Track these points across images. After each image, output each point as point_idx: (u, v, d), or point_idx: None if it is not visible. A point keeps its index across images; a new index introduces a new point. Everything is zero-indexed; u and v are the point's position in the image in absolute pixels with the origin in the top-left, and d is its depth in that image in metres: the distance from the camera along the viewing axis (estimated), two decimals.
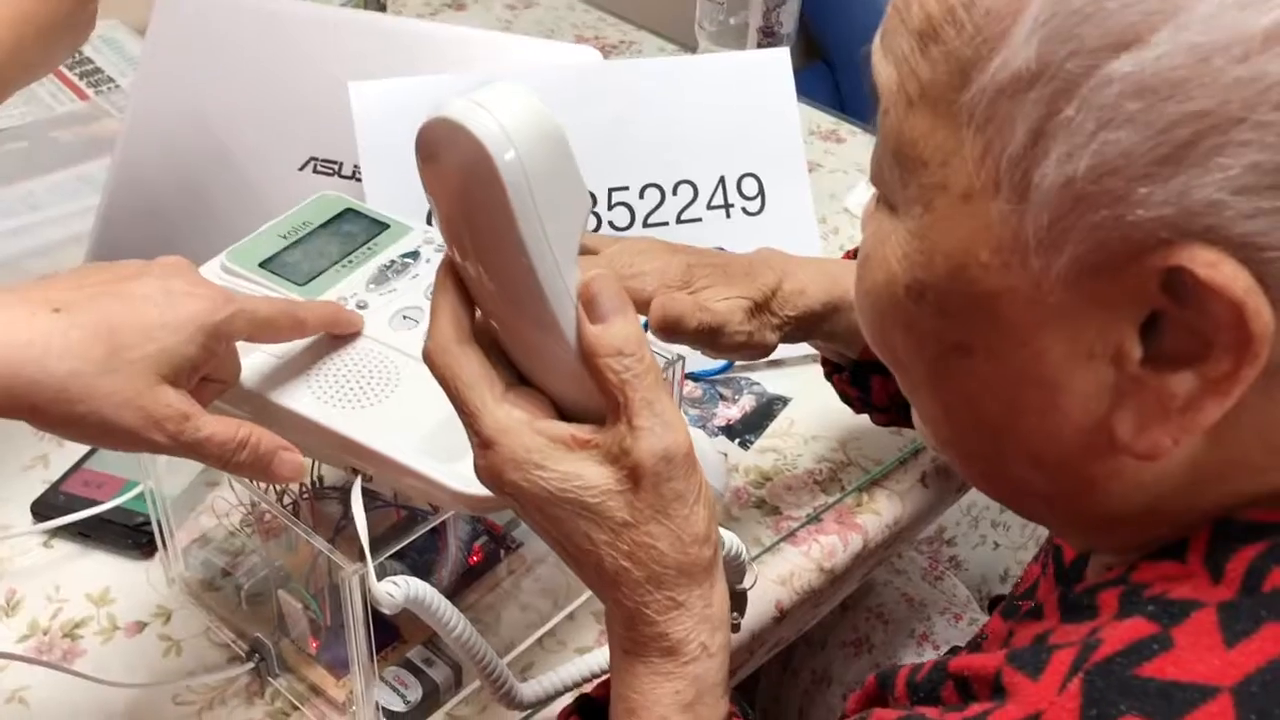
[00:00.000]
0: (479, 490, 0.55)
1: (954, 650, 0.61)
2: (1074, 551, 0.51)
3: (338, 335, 0.62)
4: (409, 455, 0.57)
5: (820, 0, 1.87)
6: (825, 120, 1.27)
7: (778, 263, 0.71)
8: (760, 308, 0.69)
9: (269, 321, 0.57)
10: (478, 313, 0.49)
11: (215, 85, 0.93)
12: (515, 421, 0.47)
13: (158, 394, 0.51)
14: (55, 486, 0.76)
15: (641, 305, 0.66)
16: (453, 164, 0.44)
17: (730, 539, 0.57)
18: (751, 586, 0.59)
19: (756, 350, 0.70)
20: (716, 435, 0.87)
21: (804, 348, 0.94)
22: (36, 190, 1.05)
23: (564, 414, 0.49)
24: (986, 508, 1.17)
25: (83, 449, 0.79)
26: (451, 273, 0.48)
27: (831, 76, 1.96)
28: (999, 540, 1.17)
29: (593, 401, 0.48)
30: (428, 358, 0.48)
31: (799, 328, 0.71)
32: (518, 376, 0.50)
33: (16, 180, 1.06)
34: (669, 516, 0.46)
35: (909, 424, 0.80)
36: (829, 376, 0.80)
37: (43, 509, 0.75)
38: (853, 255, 0.77)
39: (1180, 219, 0.34)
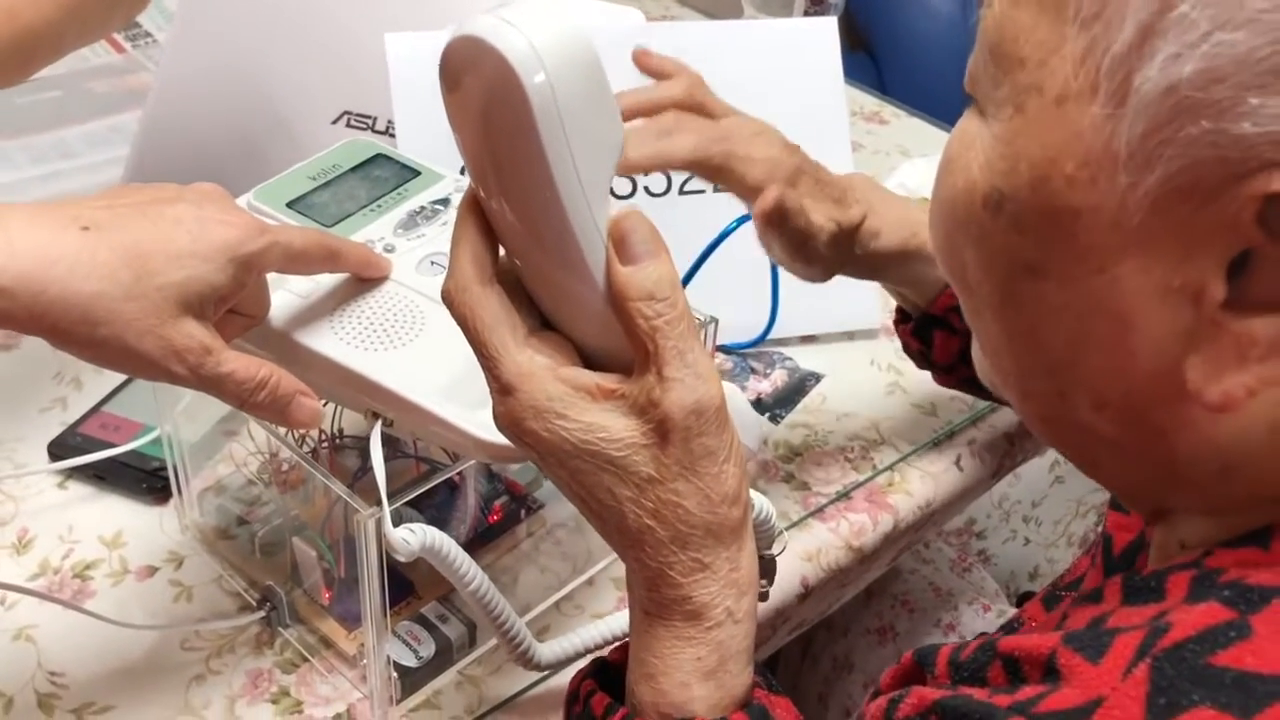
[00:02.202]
0: (501, 439, 0.53)
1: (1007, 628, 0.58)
2: (1130, 535, 0.48)
3: (364, 279, 0.60)
4: (431, 399, 0.55)
5: None
6: (869, 102, 1.24)
7: (865, 195, 0.69)
8: (841, 236, 0.67)
9: (303, 253, 0.55)
10: (502, 253, 0.47)
11: (249, 39, 0.92)
12: (537, 367, 0.44)
13: (181, 324, 0.49)
14: (72, 428, 0.75)
15: (741, 189, 0.66)
16: (477, 86, 0.41)
17: (760, 502, 0.55)
18: (780, 553, 0.57)
19: (822, 273, 0.69)
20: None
21: (841, 322, 0.92)
22: (69, 138, 1.04)
23: (590, 362, 0.46)
24: (1018, 502, 1.14)
25: (101, 393, 0.78)
26: (474, 208, 0.45)
27: (875, 68, 1.93)
28: (1030, 536, 1.15)
29: (621, 350, 0.45)
30: (447, 298, 0.46)
31: (867, 266, 0.70)
32: (542, 321, 0.47)
33: (50, 128, 1.05)
34: (697, 474, 0.44)
35: (972, 391, 0.78)
36: (897, 326, 0.78)
37: (59, 450, 0.74)
38: None
39: None
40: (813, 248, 0.67)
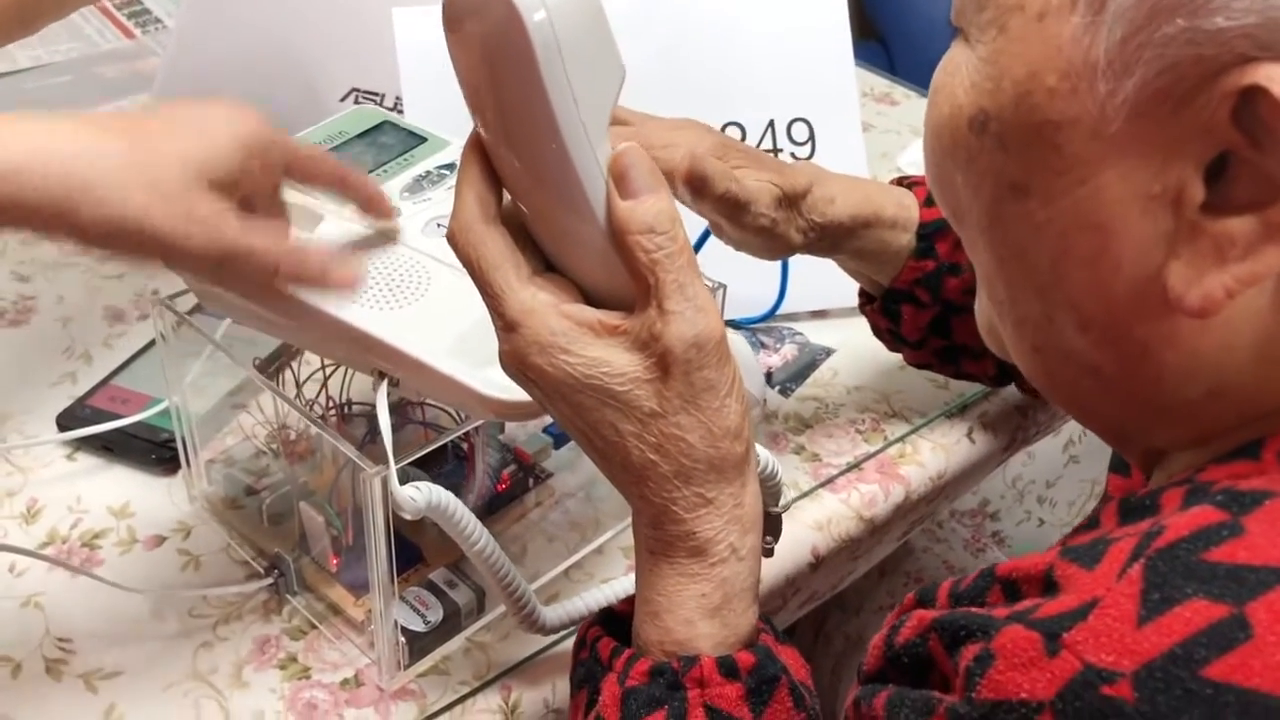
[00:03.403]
0: (505, 395, 0.54)
1: None
2: (1136, 469, 0.48)
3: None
4: (436, 357, 0.54)
5: None
6: (879, 83, 1.24)
7: (811, 170, 0.69)
8: (789, 201, 0.66)
9: (309, 159, 0.55)
10: (506, 198, 0.47)
11: (257, 20, 0.92)
12: (540, 304, 0.45)
13: (192, 195, 0.48)
14: (81, 400, 0.75)
15: (671, 176, 0.64)
16: (479, 25, 0.42)
17: (766, 456, 0.55)
18: (785, 509, 0.56)
19: (779, 245, 0.68)
20: (753, 404, 0.84)
21: (851, 297, 0.91)
22: None
23: (592, 304, 0.47)
24: (1032, 482, 1.13)
25: (110, 367, 0.78)
26: (478, 151, 0.46)
27: (886, 55, 1.93)
28: (1044, 517, 1.14)
29: (622, 289, 0.45)
30: (451, 238, 0.46)
31: (824, 237, 0.68)
32: (545, 264, 0.48)
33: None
34: (699, 408, 0.44)
35: (942, 369, 0.78)
36: (862, 309, 0.77)
37: (68, 421, 0.74)
38: (901, 181, 0.74)
39: (1263, 31, 0.32)
40: (757, 213, 0.65)
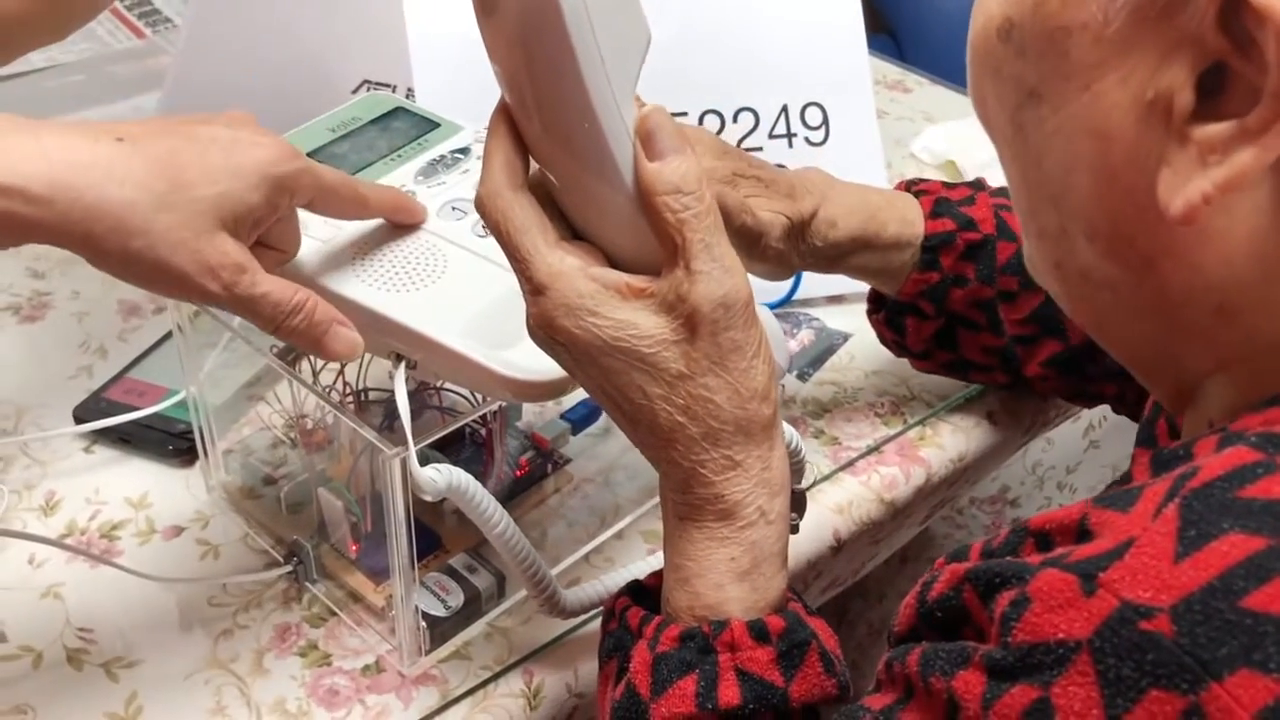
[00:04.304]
0: (522, 375, 0.53)
1: None
2: (1172, 409, 0.48)
3: (392, 225, 0.60)
4: (453, 338, 0.54)
5: None
6: (891, 70, 1.23)
7: (818, 187, 0.69)
8: (795, 229, 0.67)
9: (332, 188, 0.54)
10: (533, 167, 0.47)
11: (268, 13, 0.92)
12: (568, 267, 0.45)
13: (215, 240, 0.48)
14: (98, 393, 0.75)
15: None
16: None
17: (790, 432, 0.55)
18: (810, 487, 0.56)
19: (783, 270, 0.69)
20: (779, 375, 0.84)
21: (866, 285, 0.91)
22: (92, 118, 1.04)
23: (619, 269, 0.47)
24: (1052, 468, 1.13)
25: (125, 360, 0.78)
26: (506, 119, 0.46)
27: (897, 48, 1.92)
28: (1064, 503, 1.13)
29: (649, 255, 0.45)
30: (479, 204, 0.46)
31: (827, 259, 0.69)
32: (572, 233, 0.48)
33: (75, 109, 1.06)
34: (726, 369, 0.44)
35: (952, 374, 0.78)
36: (870, 316, 0.77)
37: (85, 414, 0.74)
38: (906, 186, 0.74)
39: None
40: (767, 245, 0.66)
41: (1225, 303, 0.38)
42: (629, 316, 0.44)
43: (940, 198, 0.71)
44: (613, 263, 0.46)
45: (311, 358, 0.68)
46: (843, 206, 0.69)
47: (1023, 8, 0.39)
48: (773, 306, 0.89)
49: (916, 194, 0.72)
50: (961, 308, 0.71)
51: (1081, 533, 0.35)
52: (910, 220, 0.70)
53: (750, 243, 0.65)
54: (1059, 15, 0.38)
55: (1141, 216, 0.38)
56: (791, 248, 0.68)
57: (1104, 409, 1.09)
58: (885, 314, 0.74)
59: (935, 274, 0.70)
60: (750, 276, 0.47)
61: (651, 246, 0.45)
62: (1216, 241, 0.37)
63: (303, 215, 0.56)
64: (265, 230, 0.52)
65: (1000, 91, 0.41)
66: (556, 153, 0.45)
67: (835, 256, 0.69)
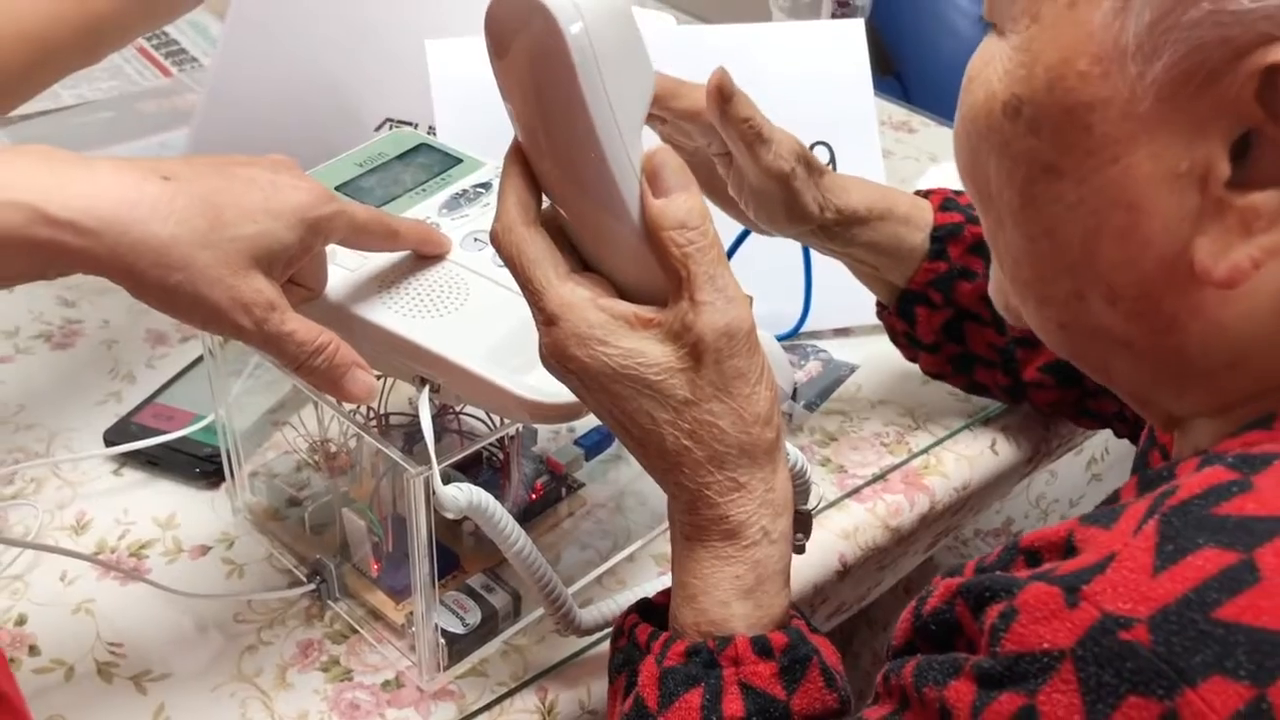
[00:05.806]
0: (540, 397, 0.56)
1: None
2: (1160, 431, 0.50)
3: (414, 255, 0.62)
4: (475, 362, 0.57)
5: (892, 16, 1.88)
6: (897, 111, 1.26)
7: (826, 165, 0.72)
8: (810, 170, 0.69)
9: (365, 227, 0.57)
10: (545, 203, 0.50)
11: (293, 55, 0.95)
12: (579, 298, 0.47)
13: (250, 278, 0.51)
14: (127, 418, 0.78)
15: (699, 114, 0.67)
16: (522, 41, 0.45)
17: (795, 454, 0.57)
18: (815, 509, 0.58)
19: (796, 211, 0.69)
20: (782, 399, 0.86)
21: (875, 315, 0.93)
22: (120, 154, 1.08)
23: (627, 300, 0.49)
24: (1056, 500, 1.14)
25: (153, 387, 0.80)
26: (519, 158, 0.49)
27: (902, 90, 1.96)
28: None
29: (656, 286, 0.48)
30: (494, 238, 0.48)
31: (838, 223, 0.71)
32: (583, 266, 0.50)
33: (103, 145, 1.09)
34: (730, 395, 0.46)
35: (956, 378, 0.80)
36: (880, 314, 0.79)
37: (115, 438, 0.76)
38: (922, 194, 0.76)
39: None
40: (776, 155, 0.67)
41: (1239, 355, 0.40)
42: (637, 345, 0.46)
43: (948, 197, 0.75)
44: (621, 293, 0.49)
45: None
46: (855, 180, 0.72)
47: (1033, 85, 0.40)
48: (781, 338, 0.91)
49: (924, 195, 0.76)
50: (969, 301, 0.73)
51: (1068, 548, 0.37)
52: (920, 206, 0.74)
53: (758, 144, 0.66)
54: (1078, 92, 0.39)
55: (1171, 279, 0.39)
56: (805, 182, 0.68)
57: (1106, 439, 1.11)
58: (896, 305, 0.76)
59: (944, 264, 0.73)
60: (751, 296, 0.48)
61: (658, 278, 0.47)
62: (1243, 299, 0.39)
63: (331, 245, 0.59)
64: (296, 269, 0.55)
65: (1008, 167, 0.42)
66: (567, 189, 0.48)
67: (852, 224, 0.71)
